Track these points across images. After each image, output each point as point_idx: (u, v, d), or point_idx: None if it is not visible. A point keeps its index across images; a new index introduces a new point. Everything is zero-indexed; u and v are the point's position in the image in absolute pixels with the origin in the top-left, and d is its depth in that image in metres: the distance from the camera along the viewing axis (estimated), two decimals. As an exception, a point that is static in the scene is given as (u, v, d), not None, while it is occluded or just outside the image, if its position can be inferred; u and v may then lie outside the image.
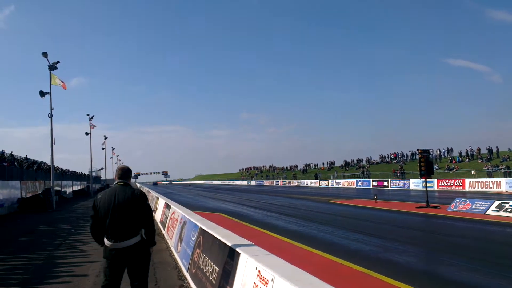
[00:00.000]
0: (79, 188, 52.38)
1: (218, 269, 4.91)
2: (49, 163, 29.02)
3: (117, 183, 4.48)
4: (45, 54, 25.70)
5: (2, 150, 32.63)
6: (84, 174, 64.02)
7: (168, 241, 10.48)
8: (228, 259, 4.60)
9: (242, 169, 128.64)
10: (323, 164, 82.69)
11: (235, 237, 5.24)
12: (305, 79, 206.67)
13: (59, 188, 38.09)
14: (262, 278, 3.48)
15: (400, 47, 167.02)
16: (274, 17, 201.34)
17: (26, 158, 37.67)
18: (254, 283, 3.63)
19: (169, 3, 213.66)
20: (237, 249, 4.38)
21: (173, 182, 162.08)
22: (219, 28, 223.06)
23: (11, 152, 34.94)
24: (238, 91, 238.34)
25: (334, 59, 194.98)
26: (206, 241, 5.90)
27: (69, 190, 45.75)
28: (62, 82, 26.91)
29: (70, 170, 54.37)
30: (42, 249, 10.22)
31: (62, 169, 47.77)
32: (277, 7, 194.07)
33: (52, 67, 26.48)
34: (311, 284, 2.96)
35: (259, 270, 3.61)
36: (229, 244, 4.71)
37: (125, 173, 4.58)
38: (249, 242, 4.81)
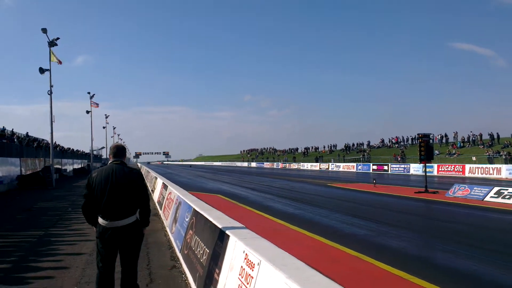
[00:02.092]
0: (79, 166, 52.54)
1: (208, 251, 4.88)
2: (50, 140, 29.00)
3: (113, 161, 4.41)
4: (44, 30, 25.49)
5: (3, 127, 32.58)
6: (85, 153, 64.13)
7: (164, 221, 10.49)
8: (218, 241, 4.56)
9: (243, 151, 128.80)
10: (324, 147, 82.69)
11: (227, 219, 5.19)
12: (307, 62, 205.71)
13: (59, 166, 38.21)
14: (249, 262, 3.43)
15: (404, 30, 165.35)
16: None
17: (27, 135, 37.63)
18: (241, 266, 3.59)
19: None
20: (227, 232, 4.34)
21: (164, 162, 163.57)
22: (224, 10, 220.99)
23: (12, 129, 34.93)
24: (241, 73, 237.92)
25: (336, 41, 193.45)
26: (199, 222, 5.87)
27: (69, 168, 45.93)
28: (58, 60, 26.66)
29: (72, 148, 54.41)
30: (38, 227, 10.24)
31: (63, 147, 47.81)
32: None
33: (52, 44, 26.27)
34: (297, 269, 2.90)
35: (246, 254, 3.56)
36: (220, 226, 4.66)
37: (119, 151, 4.53)
38: (240, 225, 4.77)
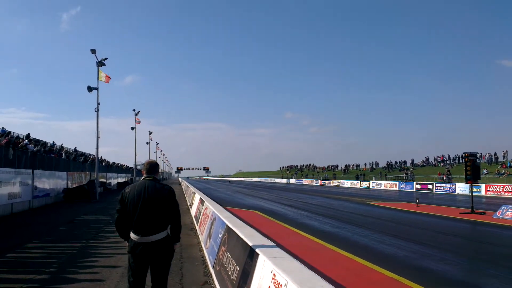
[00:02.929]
0: (123, 180, 54.02)
1: (238, 268, 4.82)
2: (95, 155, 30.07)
3: (145, 177, 4.45)
4: (93, 51, 26.70)
5: (53, 142, 34.12)
6: (129, 167, 65.99)
7: (199, 236, 10.53)
8: (248, 259, 4.49)
9: (283, 167, 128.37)
10: (365, 165, 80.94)
11: (258, 236, 5.12)
12: (350, 80, 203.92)
13: (104, 180, 39.46)
14: (276, 283, 3.34)
15: (451, 47, 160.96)
16: (322, 15, 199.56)
17: (75, 150, 39.18)
18: (269, 286, 3.50)
19: (220, 2, 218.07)
20: (257, 250, 4.26)
21: (204, 177, 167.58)
22: (265, 27, 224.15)
23: (61, 144, 36.49)
24: (283, 90, 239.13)
25: (379, 60, 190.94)
26: (231, 239, 5.83)
27: (114, 182, 47.29)
28: (106, 75, 27.75)
29: (116, 162, 56.21)
30: (79, 239, 10.53)
31: (108, 161, 49.43)
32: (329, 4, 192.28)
33: (100, 64, 27.45)
34: (324, 293, 2.78)
35: (274, 274, 3.47)
36: (250, 244, 4.60)
37: (152, 167, 4.56)
38: (271, 243, 4.68)
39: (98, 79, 27.54)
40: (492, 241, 11.45)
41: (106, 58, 27.80)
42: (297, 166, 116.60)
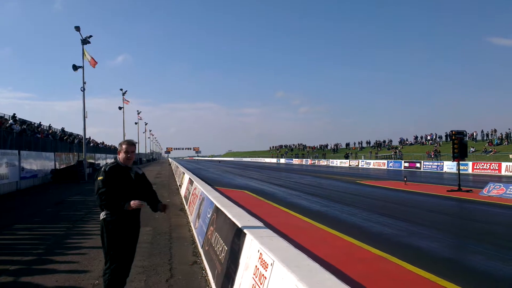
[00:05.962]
0: (112, 160, 53.68)
1: (226, 248, 4.80)
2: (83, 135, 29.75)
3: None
4: (77, 28, 26.11)
5: (40, 122, 33.63)
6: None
7: (189, 216, 10.52)
8: (236, 239, 4.48)
9: (273, 147, 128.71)
10: (355, 144, 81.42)
11: (245, 216, 5.10)
12: (340, 60, 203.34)
13: (93, 161, 39.18)
14: (263, 262, 3.32)
15: (440, 24, 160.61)
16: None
17: (62, 131, 38.71)
18: (256, 266, 3.48)
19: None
20: (244, 230, 4.23)
21: (194, 158, 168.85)
22: (258, 6, 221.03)
23: (49, 124, 35.99)
24: (274, 70, 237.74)
25: (370, 39, 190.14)
26: (219, 219, 5.80)
27: (102, 162, 46.99)
28: (92, 58, 27.19)
29: (105, 143, 55.81)
30: (66, 220, 10.47)
31: (96, 142, 49.04)
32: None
33: (85, 42, 26.87)
34: (310, 272, 2.76)
35: (260, 253, 3.45)
36: (238, 224, 4.57)
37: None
38: (259, 223, 4.66)
39: (83, 58, 27.03)
40: (478, 218, 11.63)
41: (90, 36, 27.22)
42: (287, 145, 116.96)
